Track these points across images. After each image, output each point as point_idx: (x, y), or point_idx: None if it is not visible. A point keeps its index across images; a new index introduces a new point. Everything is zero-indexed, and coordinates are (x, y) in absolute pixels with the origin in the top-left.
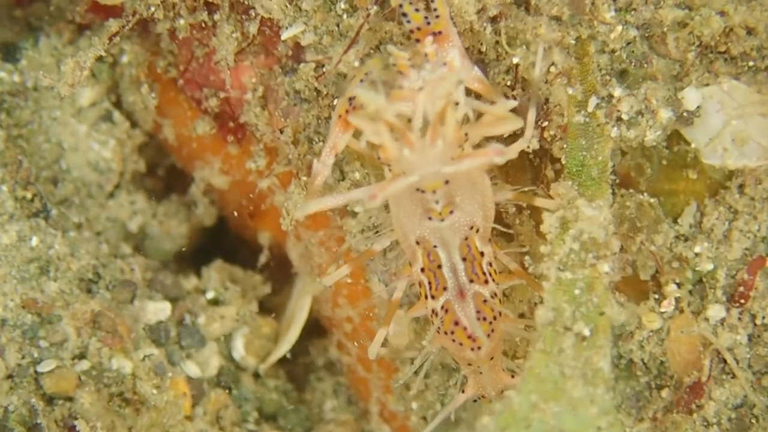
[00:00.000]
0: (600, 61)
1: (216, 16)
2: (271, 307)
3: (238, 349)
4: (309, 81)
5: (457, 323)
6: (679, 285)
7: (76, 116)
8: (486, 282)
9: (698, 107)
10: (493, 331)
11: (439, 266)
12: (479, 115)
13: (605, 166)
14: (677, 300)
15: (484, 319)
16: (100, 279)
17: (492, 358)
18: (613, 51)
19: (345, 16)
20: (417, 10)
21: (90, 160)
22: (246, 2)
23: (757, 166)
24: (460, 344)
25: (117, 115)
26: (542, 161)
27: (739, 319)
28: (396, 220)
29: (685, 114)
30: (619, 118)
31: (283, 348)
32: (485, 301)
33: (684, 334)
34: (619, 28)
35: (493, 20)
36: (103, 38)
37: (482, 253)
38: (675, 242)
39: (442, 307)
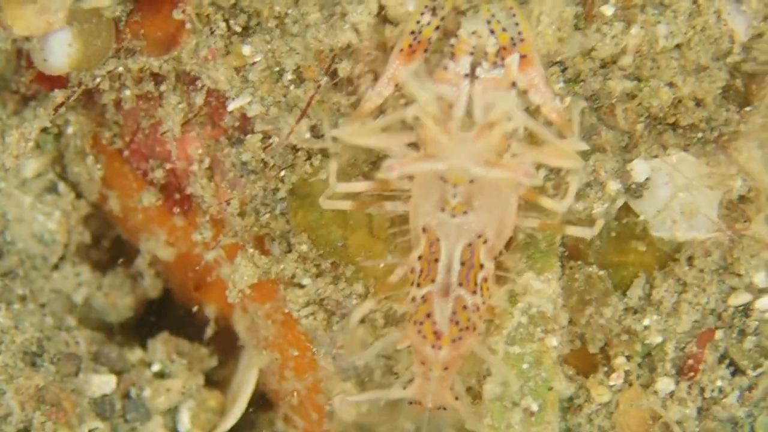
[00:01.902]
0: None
1: (162, 87)
2: (217, 380)
3: (184, 423)
4: (256, 152)
5: (429, 315)
6: (628, 358)
7: (20, 187)
8: (474, 292)
9: (647, 179)
10: (460, 339)
11: (437, 260)
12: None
13: (554, 238)
14: (626, 373)
15: (456, 323)
16: (45, 352)
17: (446, 369)
18: None
19: (292, 87)
20: (504, 30)
21: (35, 231)
22: (192, 73)
23: (706, 238)
24: (424, 337)
25: (62, 186)
26: None
27: (689, 392)
28: (413, 198)
29: (633, 186)
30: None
31: (229, 421)
32: (465, 307)
33: (633, 407)
34: (568, 99)
35: None
36: (48, 109)
37: (482, 266)
38: (624, 315)
39: (423, 297)
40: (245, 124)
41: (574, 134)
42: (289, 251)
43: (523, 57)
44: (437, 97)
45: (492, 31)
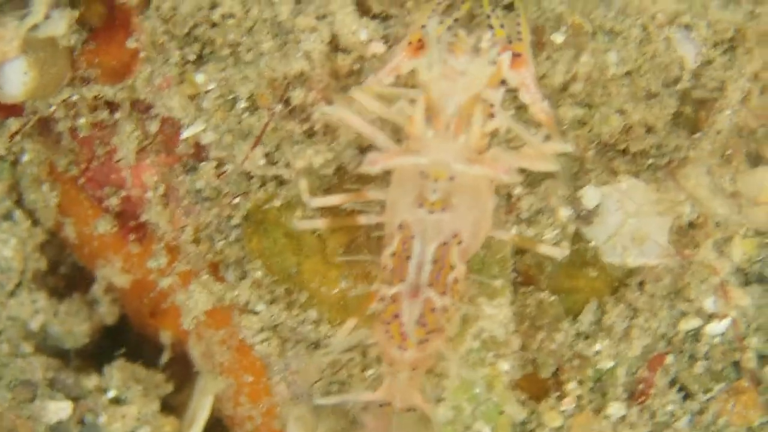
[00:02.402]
0: None
1: (117, 115)
2: (173, 406)
3: None
4: (210, 180)
5: (396, 316)
6: (579, 383)
7: None
8: (443, 293)
9: (597, 206)
10: (427, 341)
11: (408, 257)
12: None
13: (505, 264)
14: (578, 398)
15: (424, 325)
16: (1, 379)
17: (414, 369)
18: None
19: (245, 115)
20: (502, 26)
21: None
22: (147, 101)
23: (657, 264)
24: (391, 337)
25: (18, 213)
26: None
27: (640, 416)
28: (391, 194)
29: (584, 212)
30: (519, 217)
31: None
32: (433, 309)
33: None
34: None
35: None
36: (4, 137)
37: (453, 267)
38: (575, 340)
39: (392, 296)
40: (199, 151)
41: (558, 134)
42: (244, 278)
43: (517, 56)
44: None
45: (490, 26)
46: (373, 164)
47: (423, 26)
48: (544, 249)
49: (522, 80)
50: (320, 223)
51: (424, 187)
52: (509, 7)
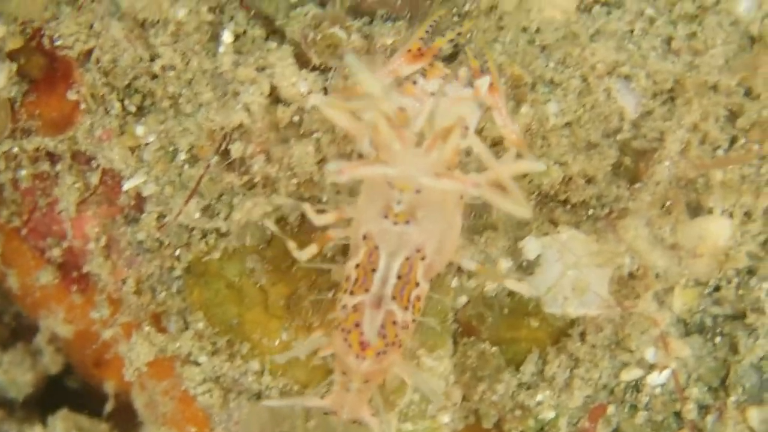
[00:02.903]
0: None
1: (58, 167)
2: None
3: None
4: (151, 231)
5: (357, 325)
6: None
7: None
8: (405, 308)
9: (538, 257)
10: (385, 353)
11: (374, 270)
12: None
13: (445, 316)
14: None
15: (384, 336)
16: None
17: (367, 381)
18: None
19: (186, 167)
20: (476, 56)
21: None
22: (88, 153)
23: (597, 314)
24: (349, 346)
25: None
26: None
27: None
28: (360, 204)
29: (525, 263)
30: (459, 268)
31: None
32: (394, 322)
33: None
34: None
35: None
36: None
37: (417, 284)
38: (517, 390)
39: (354, 306)
40: (141, 203)
41: (530, 155)
42: (186, 329)
43: (490, 84)
44: (398, 107)
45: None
46: (339, 174)
47: (421, 38)
48: (510, 284)
49: (495, 102)
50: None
51: (390, 197)
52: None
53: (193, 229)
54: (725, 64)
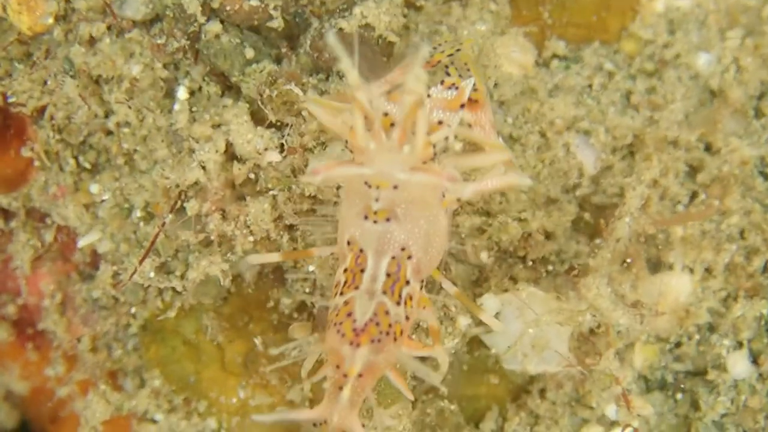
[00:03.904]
0: None
1: (12, 224)
2: None
3: None
4: (106, 288)
5: (349, 314)
6: None
7: None
8: (398, 303)
9: (497, 314)
10: (379, 341)
11: (362, 270)
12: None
13: (404, 373)
14: None
15: (377, 324)
16: None
17: (361, 377)
18: None
19: (141, 225)
20: (460, 75)
21: None
22: (42, 210)
23: (557, 371)
24: (343, 335)
25: None
26: None
27: None
28: (341, 210)
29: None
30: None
31: None
32: (387, 312)
33: None
34: None
35: (291, 227)
36: None
37: (408, 282)
38: None
39: (345, 301)
40: (96, 260)
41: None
42: (142, 386)
43: (474, 101)
44: (383, 112)
45: (448, 74)
46: (315, 175)
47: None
48: (485, 318)
49: (477, 120)
50: (274, 257)
51: (367, 197)
52: None
53: (149, 286)
54: (685, 119)
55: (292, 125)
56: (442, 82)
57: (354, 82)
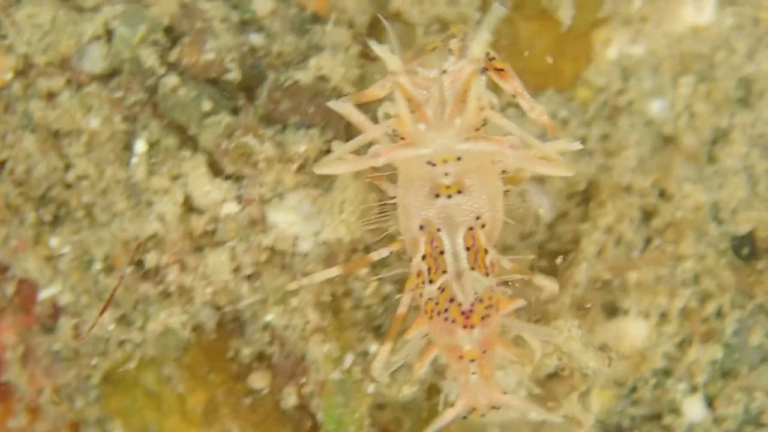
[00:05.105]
0: (356, 317)
1: None
2: None
3: None
4: (67, 340)
5: (452, 300)
6: None
7: None
8: (486, 274)
9: None
10: (488, 316)
11: (442, 252)
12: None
13: (362, 423)
14: None
15: (480, 300)
16: None
17: (485, 352)
18: (368, 307)
19: (101, 277)
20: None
21: None
22: (3, 263)
23: (517, 416)
24: (453, 322)
25: None
26: (301, 417)
27: None
28: (402, 204)
29: (440, 368)
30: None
31: None
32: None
33: None
34: (374, 284)
35: (250, 278)
36: None
37: (486, 251)
38: None
39: (439, 288)
40: (57, 312)
41: (566, 135)
42: None
43: (500, 70)
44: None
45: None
46: (377, 156)
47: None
48: (539, 281)
49: (515, 89)
50: (335, 270)
51: (435, 176)
52: None
53: (109, 338)
54: (639, 165)
55: (249, 177)
56: (450, 51)
57: (395, 66)
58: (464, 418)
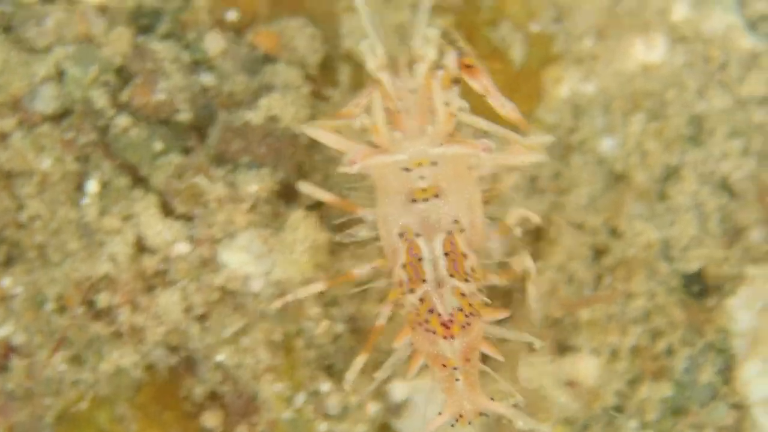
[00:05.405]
0: (307, 357)
1: None
2: None
3: None
4: (20, 380)
5: (431, 311)
6: None
7: None
8: (466, 281)
9: (406, 400)
10: (468, 324)
11: (420, 259)
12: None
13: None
14: None
15: (460, 309)
16: None
17: (468, 361)
18: (319, 346)
19: (54, 317)
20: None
21: None
22: None
23: None
24: (434, 333)
25: None
26: None
27: None
28: (380, 215)
29: (392, 406)
30: (327, 414)
31: None
32: (463, 294)
33: None
34: (326, 322)
35: (201, 318)
36: None
37: (465, 255)
38: None
39: (420, 299)
40: (9, 352)
41: (533, 132)
42: None
43: (470, 66)
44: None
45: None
46: (352, 164)
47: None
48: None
49: (484, 87)
50: (320, 286)
51: (410, 181)
52: None
53: (62, 377)
54: (590, 203)
55: (200, 217)
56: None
57: (376, 64)
58: (452, 426)
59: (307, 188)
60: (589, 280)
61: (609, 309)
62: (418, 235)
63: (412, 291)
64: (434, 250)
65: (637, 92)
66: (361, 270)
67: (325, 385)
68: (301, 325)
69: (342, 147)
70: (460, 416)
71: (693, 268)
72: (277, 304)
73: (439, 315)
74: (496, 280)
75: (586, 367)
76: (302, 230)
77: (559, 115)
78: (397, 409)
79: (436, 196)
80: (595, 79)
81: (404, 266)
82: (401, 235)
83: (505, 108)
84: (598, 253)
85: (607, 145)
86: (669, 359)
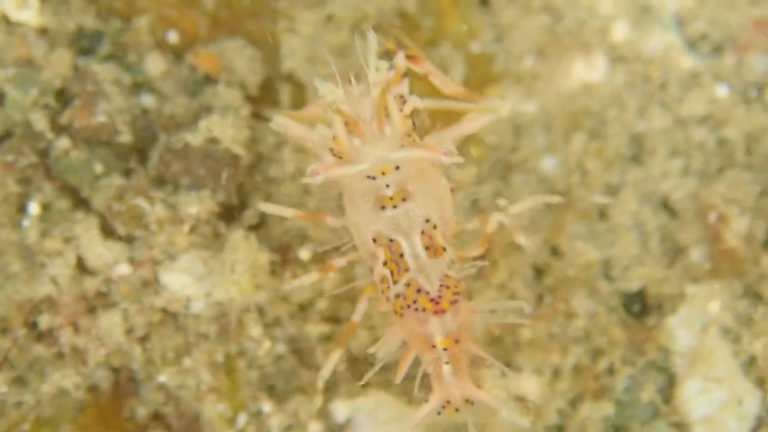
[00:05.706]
0: (249, 377)
1: None
2: None
3: None
4: None
5: (419, 290)
6: None
7: None
8: (448, 268)
9: (348, 420)
10: (456, 301)
11: (401, 255)
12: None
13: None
14: None
15: (447, 287)
16: None
17: (457, 343)
18: (261, 367)
19: None
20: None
21: None
22: None
23: None
24: (423, 311)
25: None
26: None
27: None
28: (352, 221)
29: (335, 427)
30: None
31: None
32: (447, 275)
33: None
34: (267, 343)
35: (143, 339)
36: None
37: (444, 249)
38: None
39: (406, 284)
40: None
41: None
42: None
43: (412, 57)
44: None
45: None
46: (314, 175)
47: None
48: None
49: (427, 69)
50: (314, 275)
51: (377, 188)
52: None
53: (4, 399)
54: (531, 222)
55: (141, 238)
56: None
57: (335, 96)
58: (438, 413)
59: (268, 207)
60: (529, 299)
61: (550, 328)
62: (392, 240)
63: (396, 283)
64: (414, 246)
65: (577, 111)
66: (339, 263)
67: (267, 406)
68: (242, 346)
69: (308, 139)
70: (448, 402)
71: (633, 288)
72: (287, 288)
73: (428, 293)
74: (475, 251)
75: (527, 386)
76: (242, 251)
77: (500, 135)
78: (339, 430)
79: (404, 200)
80: (536, 99)
81: (386, 263)
82: (375, 240)
83: (449, 86)
84: (539, 272)
85: (548, 164)
86: (610, 378)
